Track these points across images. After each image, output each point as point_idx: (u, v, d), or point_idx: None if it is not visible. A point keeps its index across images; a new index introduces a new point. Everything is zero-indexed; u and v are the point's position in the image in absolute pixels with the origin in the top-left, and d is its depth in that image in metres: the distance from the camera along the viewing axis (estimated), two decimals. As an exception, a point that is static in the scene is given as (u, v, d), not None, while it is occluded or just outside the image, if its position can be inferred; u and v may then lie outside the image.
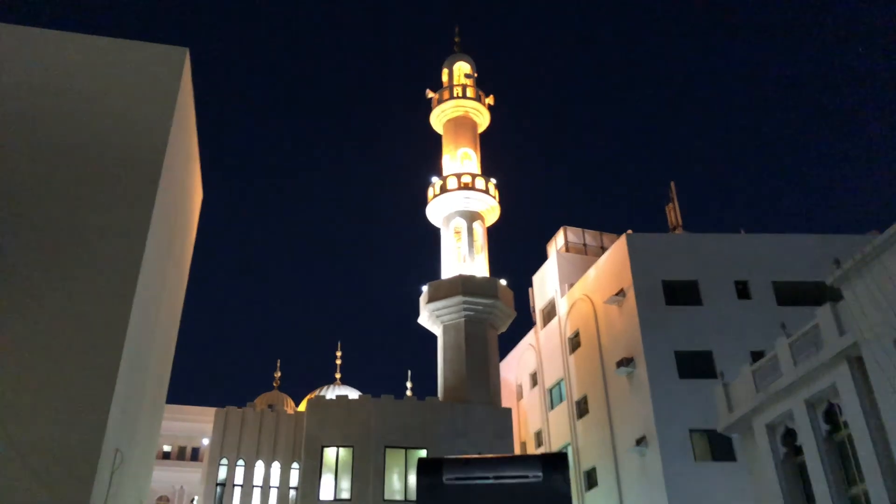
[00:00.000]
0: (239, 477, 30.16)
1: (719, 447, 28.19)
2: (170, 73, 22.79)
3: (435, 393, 33.97)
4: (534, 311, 42.54)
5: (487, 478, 7.37)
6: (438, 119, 41.54)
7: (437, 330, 35.24)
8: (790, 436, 20.30)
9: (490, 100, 41.83)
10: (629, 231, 34.00)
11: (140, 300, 19.68)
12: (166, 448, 55.66)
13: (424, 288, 35.27)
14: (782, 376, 20.30)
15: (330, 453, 29.09)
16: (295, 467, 30.42)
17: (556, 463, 7.78)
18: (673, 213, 39.79)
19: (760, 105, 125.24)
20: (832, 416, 18.84)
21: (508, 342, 53.66)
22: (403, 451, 29.11)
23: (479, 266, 36.71)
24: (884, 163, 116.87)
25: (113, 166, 20.63)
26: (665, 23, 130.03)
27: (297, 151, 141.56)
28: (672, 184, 40.56)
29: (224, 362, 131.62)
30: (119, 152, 20.91)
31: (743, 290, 31.84)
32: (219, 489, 29.88)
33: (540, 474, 7.28)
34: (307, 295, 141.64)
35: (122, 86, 21.91)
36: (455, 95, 40.98)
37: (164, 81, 22.55)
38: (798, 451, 19.94)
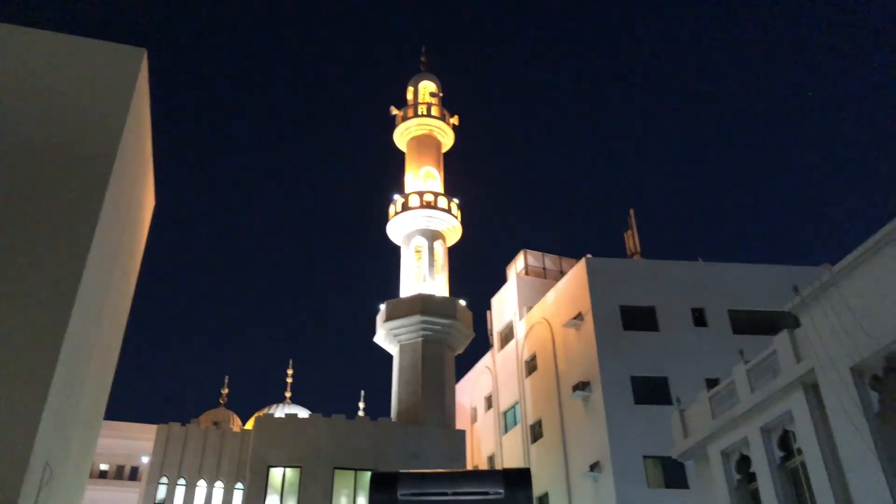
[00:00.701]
0: (179, 497, 28.87)
1: (673, 474, 28.05)
2: (126, 74, 22.01)
3: (388, 414, 33.24)
4: (491, 333, 42.21)
5: (445, 493, 6.75)
6: (402, 136, 41.27)
7: (393, 349, 34.59)
8: (744, 462, 20.21)
9: (454, 120, 41.78)
10: (588, 255, 34.01)
11: (80, 308, 18.69)
12: (103, 467, 53.35)
13: (382, 306, 34.67)
14: (739, 403, 20.25)
15: (276, 474, 28.05)
16: (239, 488, 29.26)
17: (518, 479, 7.20)
18: (632, 239, 40.03)
19: (721, 135, 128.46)
20: (786, 442, 18.79)
21: (464, 365, 53.16)
22: (353, 472, 28.25)
23: (438, 286, 36.29)
24: (839, 197, 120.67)
25: (60, 167, 19.71)
26: (627, 50, 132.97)
27: (254, 163, 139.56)
28: (631, 211, 40.89)
29: (169, 379, 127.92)
30: (67, 152, 20.02)
31: (699, 318, 32.04)
32: (157, 509, 28.54)
33: (501, 491, 6.70)
34: (259, 310, 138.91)
35: (75, 84, 21.07)
36: (420, 113, 40.82)
37: (120, 82, 21.76)
38: (752, 477, 19.84)
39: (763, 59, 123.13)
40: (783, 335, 18.99)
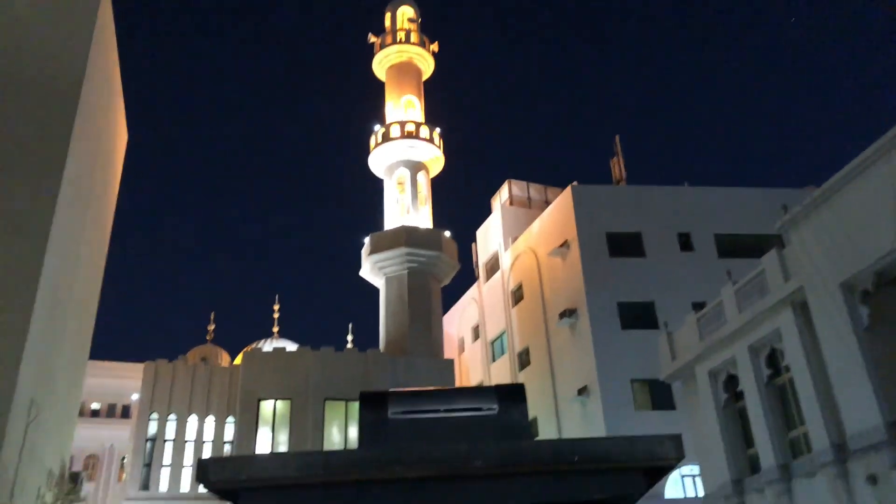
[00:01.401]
0: (171, 431, 28.95)
1: (660, 396, 28.46)
2: (88, 2, 20.93)
3: (377, 346, 33.26)
4: (476, 265, 42.10)
5: (437, 411, 6.30)
6: (381, 65, 40.03)
7: (379, 282, 34.38)
8: (732, 382, 20.41)
9: (434, 46, 40.51)
10: (574, 183, 33.60)
11: (56, 242, 18.17)
12: (95, 406, 53.65)
13: (367, 240, 34.26)
14: (726, 323, 20.31)
15: (267, 406, 28.14)
16: (230, 421, 29.37)
17: (513, 394, 6.72)
18: (617, 166, 39.57)
19: (705, 59, 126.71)
20: (774, 361, 18.93)
21: (450, 297, 53.25)
22: (344, 403, 28.39)
23: (422, 218, 35.85)
24: (824, 118, 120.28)
25: (25, 97, 18.89)
26: None
27: (234, 94, 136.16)
28: (616, 138, 40.33)
29: (155, 317, 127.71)
30: (32, 82, 19.15)
31: (686, 243, 31.98)
32: (149, 444, 28.62)
33: (495, 406, 6.25)
34: (243, 246, 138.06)
35: (37, 12, 20.03)
36: (398, 40, 39.49)
37: (83, 9, 20.71)
38: (739, 396, 20.08)
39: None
40: (771, 255, 18.88)
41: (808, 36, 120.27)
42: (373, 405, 7.04)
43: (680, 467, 25.63)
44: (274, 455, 5.18)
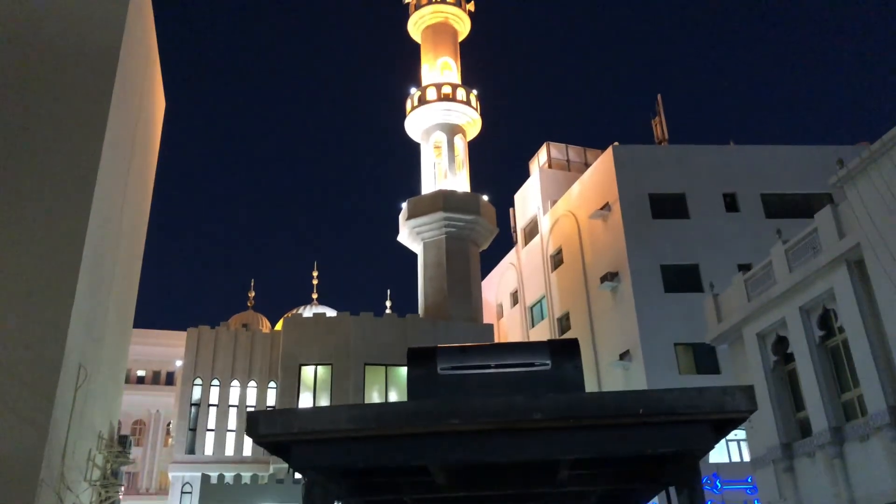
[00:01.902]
0: (214, 397, 29.45)
1: (703, 360, 27.96)
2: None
3: (415, 311, 33.25)
4: (514, 230, 41.66)
5: (488, 366, 6.02)
6: (416, 26, 39.38)
7: (417, 247, 34.23)
8: (781, 344, 19.83)
9: (471, 6, 39.67)
10: (615, 143, 32.82)
11: (98, 208, 18.29)
12: (140, 373, 54.99)
13: (404, 205, 34.06)
14: (776, 284, 19.67)
15: (308, 371, 28.41)
16: (272, 386, 29.76)
17: (566, 349, 6.44)
18: (659, 126, 38.54)
19: (747, 16, 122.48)
20: (826, 321, 18.30)
21: (488, 262, 52.88)
22: (384, 367, 28.52)
23: (460, 182, 35.47)
24: (874, 74, 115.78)
25: (66, 63, 18.91)
26: None
27: (269, 61, 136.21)
28: (658, 97, 39.22)
29: (196, 285, 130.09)
30: (72, 48, 19.16)
31: (731, 203, 31.11)
32: (193, 409, 29.18)
33: (548, 362, 5.94)
34: (282, 213, 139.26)
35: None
36: (433, 0, 38.76)
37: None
38: (789, 358, 19.52)
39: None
40: (825, 211, 18.12)
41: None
42: (421, 361, 6.79)
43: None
44: (326, 408, 5.01)
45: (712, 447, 5.01)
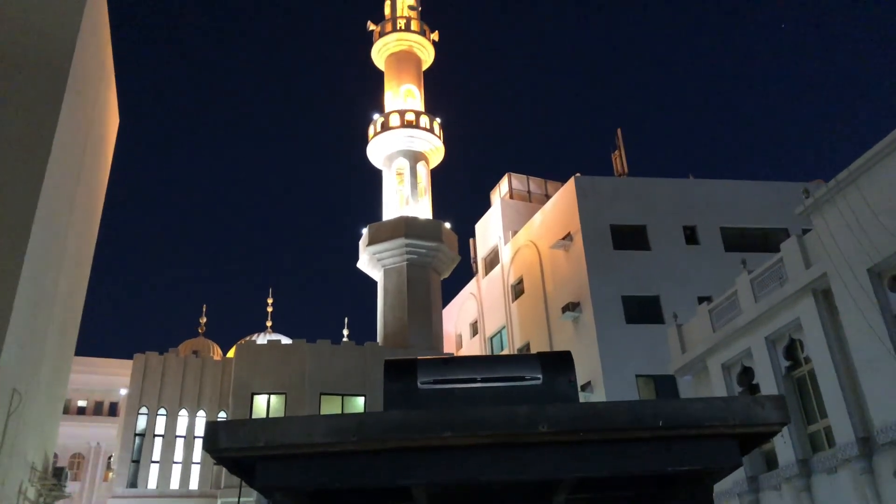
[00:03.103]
0: (160, 427, 27.97)
1: (665, 391, 27.74)
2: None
3: (373, 340, 32.38)
4: (475, 260, 41.29)
5: (474, 380, 5.31)
6: (380, 53, 39.17)
7: (377, 274, 33.50)
8: (747, 374, 19.71)
9: (435, 35, 39.68)
10: (577, 174, 32.86)
11: (40, 228, 17.24)
12: (81, 403, 52.54)
13: (365, 230, 33.39)
14: (741, 314, 19.60)
15: (260, 401, 27.23)
16: (222, 416, 28.43)
17: (559, 363, 5.79)
18: (619, 160, 38.88)
19: (709, 52, 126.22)
20: (793, 352, 18.23)
21: (448, 292, 52.36)
22: (340, 398, 27.51)
23: (422, 209, 35.02)
24: (831, 112, 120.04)
25: (13, 72, 17.97)
26: None
27: (230, 83, 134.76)
28: (618, 131, 39.61)
29: (144, 312, 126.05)
30: (21, 57, 18.24)
31: (691, 236, 31.29)
32: (137, 440, 27.64)
33: (539, 376, 5.27)
34: (236, 237, 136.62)
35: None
36: (398, 28, 38.66)
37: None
38: (754, 389, 19.35)
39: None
40: (791, 241, 18.17)
41: (816, 31, 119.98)
42: (399, 374, 6.07)
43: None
44: (298, 418, 4.33)
45: (739, 465, 4.46)
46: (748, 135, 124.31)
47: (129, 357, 30.12)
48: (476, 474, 4.45)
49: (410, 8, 40.02)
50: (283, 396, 27.23)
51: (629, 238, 31.11)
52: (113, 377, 50.49)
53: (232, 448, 4.15)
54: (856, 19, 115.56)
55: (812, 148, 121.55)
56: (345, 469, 4.34)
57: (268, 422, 4.32)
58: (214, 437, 4.14)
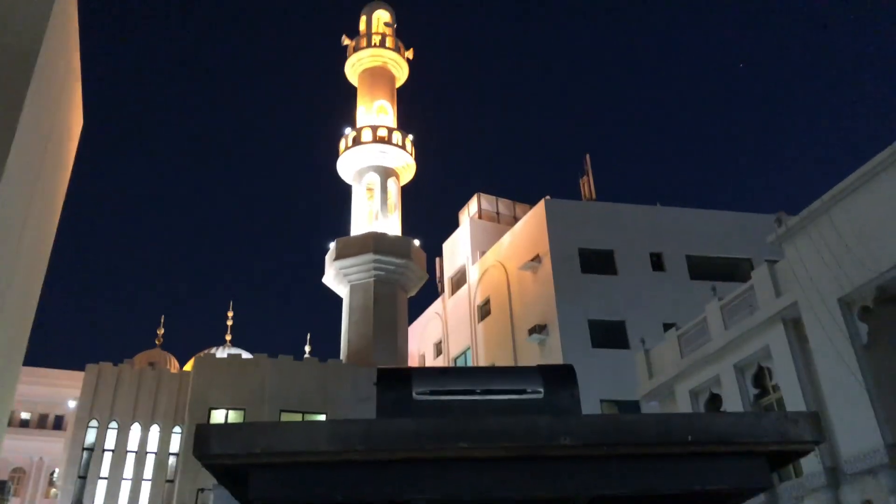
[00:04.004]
0: (110, 441, 26.85)
1: (629, 418, 27.71)
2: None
3: (337, 357, 31.75)
4: (441, 279, 41.02)
5: (473, 391, 4.92)
6: (354, 68, 38.96)
7: (343, 290, 32.96)
8: (714, 402, 19.72)
9: (409, 53, 39.67)
10: (547, 197, 32.97)
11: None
12: (24, 416, 50.39)
13: (332, 245, 32.88)
14: (711, 341, 19.64)
15: (218, 416, 26.35)
16: (177, 431, 27.44)
17: (561, 376, 5.40)
18: (587, 185, 39.16)
19: (678, 80, 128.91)
20: (761, 379, 18.30)
21: (412, 311, 51.91)
22: (301, 415, 26.79)
23: (391, 225, 34.71)
24: (797, 145, 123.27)
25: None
26: None
27: (194, 90, 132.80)
28: (587, 156, 39.96)
29: (98, 322, 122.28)
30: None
31: (657, 262, 31.55)
32: (85, 454, 26.46)
33: (541, 389, 4.91)
34: (197, 248, 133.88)
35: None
36: (373, 44, 38.54)
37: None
38: (722, 417, 19.35)
39: (721, 5, 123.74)
40: (762, 269, 18.31)
41: (783, 65, 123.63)
42: (392, 384, 5.71)
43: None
44: (299, 423, 3.97)
45: (769, 486, 4.20)
46: (714, 164, 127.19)
47: (81, 368, 28.97)
48: (492, 489, 4.12)
49: (386, 24, 40.00)
50: (242, 412, 26.41)
51: (597, 262, 31.24)
52: (60, 389, 48.62)
53: (224, 454, 3.77)
54: (821, 54, 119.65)
55: (776, 180, 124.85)
56: (349, 480, 3.97)
57: (266, 426, 3.94)
58: (205, 442, 3.74)
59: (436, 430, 4.01)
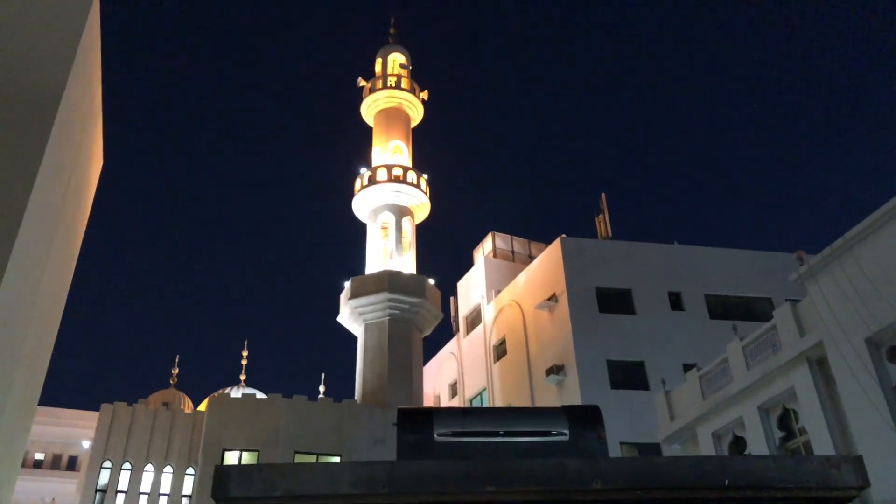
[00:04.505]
0: (123, 482, 26.57)
1: (650, 461, 27.07)
2: (76, 12, 19.88)
3: (351, 397, 31.45)
4: (456, 319, 40.76)
5: (496, 433, 4.83)
6: (370, 109, 39.44)
7: (357, 329, 32.81)
8: (738, 444, 19.22)
9: (424, 94, 40.14)
10: (563, 235, 32.83)
11: (15, 269, 16.52)
12: (38, 456, 50.11)
13: (347, 284, 32.83)
14: (733, 382, 19.24)
15: (232, 458, 26.03)
16: (190, 473, 27.12)
17: (587, 418, 5.35)
18: (603, 224, 39.02)
19: (694, 119, 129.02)
20: (786, 422, 17.83)
21: (427, 351, 51.55)
22: (315, 457, 26.42)
23: (406, 264, 34.65)
24: (814, 183, 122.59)
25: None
26: (601, 29, 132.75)
27: (211, 131, 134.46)
28: (603, 195, 39.89)
29: (113, 362, 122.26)
30: (9, 93, 17.84)
31: (676, 302, 31.17)
32: (98, 496, 26.18)
33: (566, 431, 4.80)
34: (212, 287, 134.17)
35: (17, 19, 18.91)
36: (388, 85, 39.07)
37: (70, 19, 19.63)
38: (746, 460, 18.84)
39: (736, 45, 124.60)
40: (784, 308, 17.99)
41: (802, 100, 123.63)
42: (413, 424, 5.54)
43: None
44: (322, 465, 3.85)
45: (811, 534, 4.00)
46: (730, 203, 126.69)
47: (95, 408, 28.84)
48: (522, 535, 3.97)
49: (401, 66, 40.59)
50: (256, 454, 26.09)
51: (615, 301, 30.92)
52: (75, 429, 48.41)
53: (244, 497, 3.65)
54: (841, 91, 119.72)
55: (793, 219, 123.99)
56: (372, 525, 3.84)
57: (286, 468, 3.83)
58: (225, 483, 3.64)
59: (461, 472, 3.86)
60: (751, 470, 3.98)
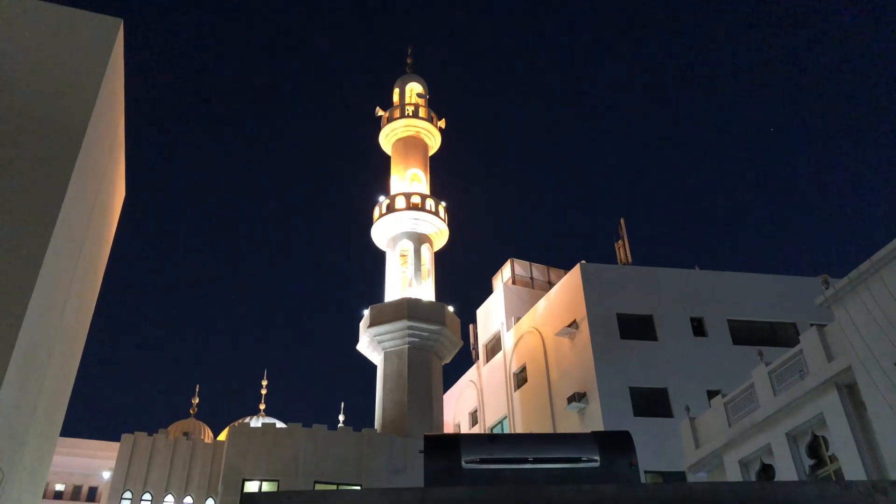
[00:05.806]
0: (143, 513, 26.46)
1: (675, 490, 26.52)
2: (101, 44, 20.28)
3: (371, 426, 31.22)
4: (476, 346, 40.52)
5: (525, 460, 4.74)
6: (388, 138, 39.77)
7: (377, 358, 32.69)
8: (766, 472, 18.79)
9: (442, 123, 40.43)
10: (583, 261, 32.63)
11: (40, 297, 16.68)
12: (59, 487, 50.18)
13: (366, 312, 32.80)
14: (759, 408, 18.89)
15: (251, 487, 25.86)
16: (210, 503, 26.96)
17: (618, 444, 5.26)
18: (623, 250, 38.77)
19: (713, 144, 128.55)
20: (816, 449, 17.43)
21: (446, 379, 51.23)
22: (335, 486, 26.17)
23: (425, 291, 34.59)
24: (836, 209, 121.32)
25: (25, 138, 17.84)
26: (619, 57, 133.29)
27: (232, 161, 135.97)
28: (622, 221, 39.70)
29: (133, 393, 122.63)
30: (35, 125, 18.16)
31: (698, 327, 30.78)
32: (119, 527, 26.08)
33: (597, 458, 4.70)
34: (231, 317, 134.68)
35: (44, 52, 19.32)
36: (406, 115, 39.40)
37: (94, 52, 20.02)
38: (775, 489, 18.39)
39: (757, 66, 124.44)
40: (811, 333, 17.67)
41: (826, 124, 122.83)
42: (441, 451, 5.43)
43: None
44: (351, 491, 3.78)
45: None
46: (752, 227, 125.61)
47: (116, 438, 28.87)
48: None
49: (419, 95, 40.97)
50: (276, 483, 25.90)
51: (636, 327, 30.59)
52: (95, 460, 48.48)
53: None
54: (869, 112, 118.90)
55: (816, 243, 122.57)
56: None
57: (316, 495, 3.78)
58: (253, 511, 3.58)
59: (493, 499, 3.77)
60: (794, 496, 3.86)
